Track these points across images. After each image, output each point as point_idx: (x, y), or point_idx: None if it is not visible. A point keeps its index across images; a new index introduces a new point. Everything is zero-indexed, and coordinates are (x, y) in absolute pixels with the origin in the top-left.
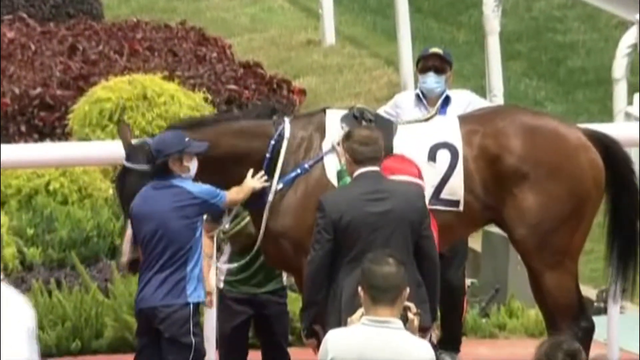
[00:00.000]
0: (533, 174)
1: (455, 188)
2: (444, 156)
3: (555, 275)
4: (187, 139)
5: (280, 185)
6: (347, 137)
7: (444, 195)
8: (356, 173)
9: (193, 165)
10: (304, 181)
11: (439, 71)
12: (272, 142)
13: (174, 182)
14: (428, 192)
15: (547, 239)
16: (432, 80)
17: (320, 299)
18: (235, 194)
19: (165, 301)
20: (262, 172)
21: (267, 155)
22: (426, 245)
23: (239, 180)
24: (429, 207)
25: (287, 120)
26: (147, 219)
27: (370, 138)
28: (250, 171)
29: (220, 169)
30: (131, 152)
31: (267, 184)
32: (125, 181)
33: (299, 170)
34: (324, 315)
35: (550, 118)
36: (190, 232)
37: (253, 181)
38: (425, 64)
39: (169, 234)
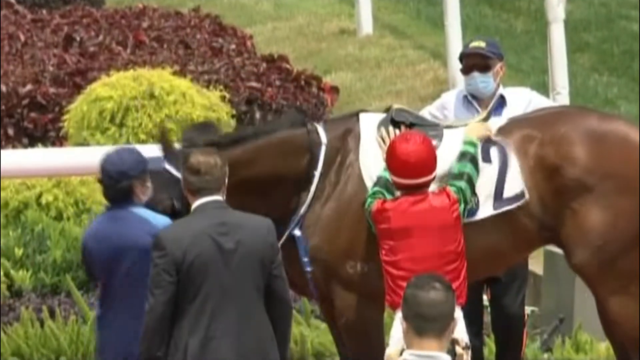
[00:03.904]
0: (599, 187)
1: (514, 181)
2: (494, 154)
3: (619, 302)
4: (142, 154)
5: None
6: (184, 161)
7: (507, 193)
8: (196, 204)
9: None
10: (338, 196)
11: (482, 69)
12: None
13: (134, 211)
14: (490, 196)
15: (612, 263)
16: (477, 81)
17: (161, 355)
18: None
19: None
20: None
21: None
22: (278, 287)
23: (277, 202)
24: (495, 212)
25: (319, 127)
26: (117, 257)
27: (206, 164)
28: None
29: (260, 189)
30: (171, 156)
31: None
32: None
33: None
34: None
35: (620, 122)
36: None
37: None
38: (467, 62)
39: (142, 273)
